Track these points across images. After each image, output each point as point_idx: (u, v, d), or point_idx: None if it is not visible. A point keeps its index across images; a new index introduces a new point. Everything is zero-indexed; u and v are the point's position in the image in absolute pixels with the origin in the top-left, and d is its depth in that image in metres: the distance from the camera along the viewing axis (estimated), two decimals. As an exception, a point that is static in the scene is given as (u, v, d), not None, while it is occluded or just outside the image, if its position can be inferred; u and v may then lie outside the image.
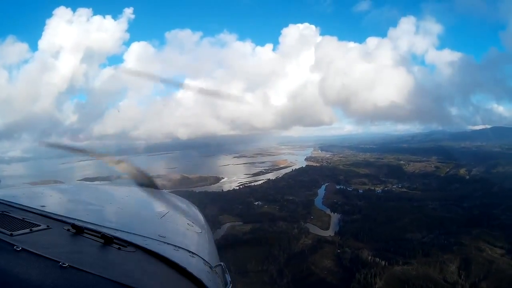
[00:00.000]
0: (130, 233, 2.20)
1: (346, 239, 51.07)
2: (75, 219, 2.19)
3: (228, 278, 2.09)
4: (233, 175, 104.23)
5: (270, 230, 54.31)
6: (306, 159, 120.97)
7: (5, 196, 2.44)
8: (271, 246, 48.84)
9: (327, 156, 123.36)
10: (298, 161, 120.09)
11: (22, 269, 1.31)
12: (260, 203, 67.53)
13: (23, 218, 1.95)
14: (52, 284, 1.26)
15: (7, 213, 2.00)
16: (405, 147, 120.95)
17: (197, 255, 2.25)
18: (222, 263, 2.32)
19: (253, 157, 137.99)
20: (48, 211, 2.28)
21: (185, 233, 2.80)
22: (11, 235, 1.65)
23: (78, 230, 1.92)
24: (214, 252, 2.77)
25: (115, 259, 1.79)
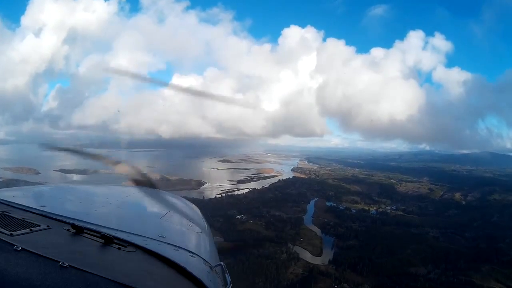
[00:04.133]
0: (130, 233, 2.10)
1: (343, 270, 42.02)
2: (75, 219, 2.09)
3: (228, 278, 1.97)
4: (216, 181, 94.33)
5: (255, 253, 44.55)
6: (293, 170, 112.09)
7: (5, 196, 2.35)
8: (255, 274, 39.33)
9: (314, 168, 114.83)
10: (284, 171, 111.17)
11: (22, 269, 1.29)
12: (243, 217, 57.75)
13: (23, 218, 1.88)
14: (52, 284, 1.24)
15: (7, 213, 1.93)
16: (393, 165, 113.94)
17: (197, 255, 2.13)
18: (222, 263, 2.19)
19: (238, 162, 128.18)
20: (48, 211, 2.18)
21: (185, 233, 2.68)
22: (11, 235, 1.60)
23: (78, 230, 1.86)
24: (214, 252, 2.62)
25: (115, 259, 1.72)
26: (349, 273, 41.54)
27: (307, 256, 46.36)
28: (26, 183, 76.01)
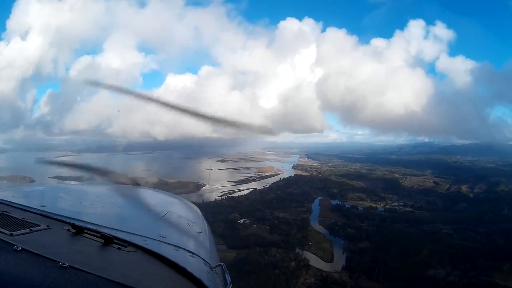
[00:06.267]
0: (130, 233, 2.06)
1: (358, 277, 38.07)
2: (75, 219, 2.06)
3: (228, 279, 1.94)
4: (216, 182, 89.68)
5: (261, 261, 40.40)
6: (294, 168, 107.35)
7: (5, 196, 2.33)
8: (263, 286, 35.18)
9: (315, 164, 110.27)
10: (285, 169, 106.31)
11: (22, 269, 1.29)
12: (246, 221, 53.51)
13: (23, 218, 1.86)
14: (52, 284, 1.24)
15: (7, 213, 1.91)
16: (394, 159, 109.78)
17: (197, 255, 2.10)
18: (222, 263, 2.15)
19: (236, 162, 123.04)
20: (48, 211, 2.14)
21: (185, 233, 2.63)
22: (11, 235, 1.59)
23: (78, 230, 1.84)
24: (214, 252, 2.61)
25: (115, 259, 1.70)
26: (365, 280, 37.68)
27: (317, 262, 42.27)
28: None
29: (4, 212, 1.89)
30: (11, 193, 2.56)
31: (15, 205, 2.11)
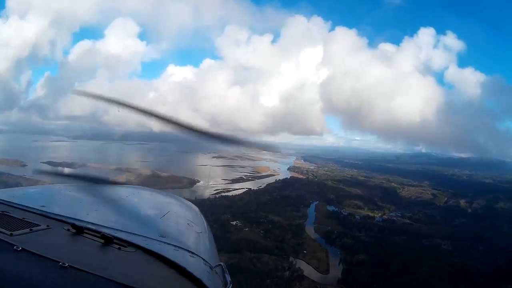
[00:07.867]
0: (130, 233, 2.04)
1: (355, 293, 35.07)
2: (75, 219, 2.04)
3: (228, 278, 1.92)
4: (210, 179, 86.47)
5: (252, 269, 37.38)
6: (290, 169, 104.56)
7: (5, 196, 2.30)
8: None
9: (311, 167, 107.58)
10: (281, 170, 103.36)
11: (22, 269, 1.29)
12: (239, 223, 50.39)
13: (23, 218, 1.84)
14: (52, 284, 1.23)
15: (7, 213, 1.89)
16: (391, 167, 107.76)
17: (197, 255, 2.08)
18: (222, 263, 2.13)
19: (232, 159, 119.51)
20: (48, 211, 2.12)
21: (185, 233, 2.58)
22: (11, 235, 1.58)
23: (78, 230, 1.83)
24: (214, 252, 2.57)
25: (115, 259, 1.70)
26: (362, 297, 34.82)
27: (312, 273, 39.38)
28: (10, 176, 68.30)
29: (4, 212, 1.86)
30: (11, 193, 2.49)
31: (15, 205, 2.06)
